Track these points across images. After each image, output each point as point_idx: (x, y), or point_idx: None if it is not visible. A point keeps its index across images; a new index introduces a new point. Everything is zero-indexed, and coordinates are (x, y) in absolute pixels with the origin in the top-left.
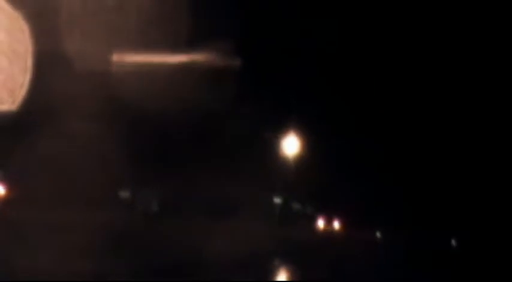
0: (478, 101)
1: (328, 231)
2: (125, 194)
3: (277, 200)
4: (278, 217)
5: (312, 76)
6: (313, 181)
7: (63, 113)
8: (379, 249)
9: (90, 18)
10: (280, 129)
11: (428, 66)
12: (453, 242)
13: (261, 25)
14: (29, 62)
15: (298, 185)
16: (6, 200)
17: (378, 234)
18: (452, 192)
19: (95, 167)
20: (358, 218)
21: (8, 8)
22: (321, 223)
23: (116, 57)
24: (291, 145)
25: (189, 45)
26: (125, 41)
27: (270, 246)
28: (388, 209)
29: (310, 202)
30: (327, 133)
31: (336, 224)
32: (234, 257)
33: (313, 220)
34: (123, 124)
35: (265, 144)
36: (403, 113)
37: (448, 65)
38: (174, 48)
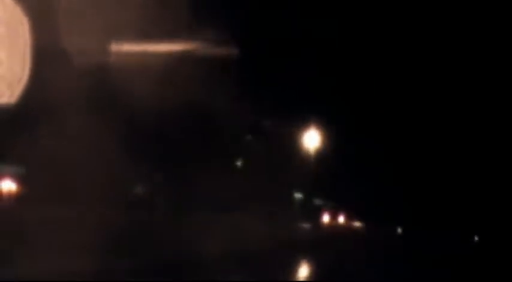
0: (492, 94)
1: (348, 227)
2: (138, 189)
3: (298, 196)
4: (299, 212)
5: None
6: (334, 177)
7: (64, 108)
8: (400, 243)
9: (89, 12)
10: (301, 124)
11: (432, 66)
12: (476, 239)
13: (270, 14)
14: (28, 55)
15: (320, 180)
16: (19, 197)
17: (399, 230)
18: (473, 190)
19: (102, 163)
20: (379, 215)
21: (7, 1)
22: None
23: (114, 47)
24: (312, 140)
25: (187, 35)
26: (123, 34)
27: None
28: (409, 205)
29: (332, 198)
30: (349, 128)
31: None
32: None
33: (333, 215)
34: (123, 119)
35: (284, 138)
36: (425, 108)
37: (450, 65)
38: (173, 37)
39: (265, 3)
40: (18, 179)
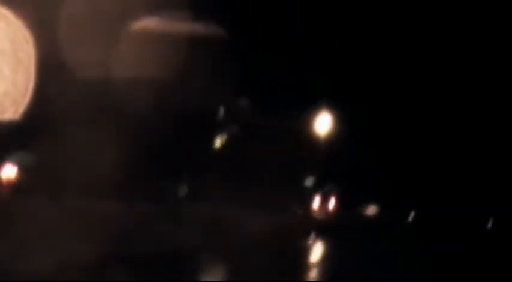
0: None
1: (362, 213)
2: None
3: (309, 181)
4: (309, 199)
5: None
6: (346, 161)
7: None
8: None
9: (91, 26)
10: (312, 107)
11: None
12: (491, 221)
13: None
14: (32, 71)
15: (332, 165)
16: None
17: (412, 214)
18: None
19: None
20: (393, 200)
21: (11, 17)
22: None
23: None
24: (322, 123)
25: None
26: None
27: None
28: (424, 188)
29: (344, 183)
30: (362, 111)
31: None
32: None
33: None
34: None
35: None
36: (441, 86)
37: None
38: None
39: None
40: (23, 166)
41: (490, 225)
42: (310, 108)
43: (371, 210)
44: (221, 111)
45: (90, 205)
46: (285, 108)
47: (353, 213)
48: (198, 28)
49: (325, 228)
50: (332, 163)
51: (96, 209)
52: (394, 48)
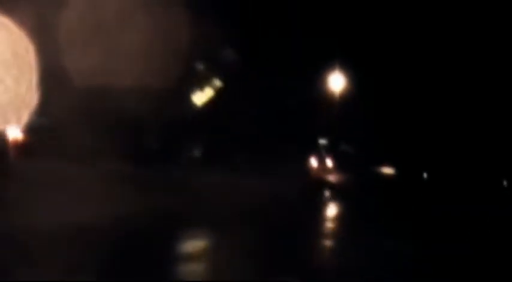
0: None
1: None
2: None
3: (322, 141)
4: (319, 159)
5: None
6: (361, 121)
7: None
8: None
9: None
10: (325, 65)
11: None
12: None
13: None
14: (35, 81)
15: (347, 125)
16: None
17: (425, 175)
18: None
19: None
20: (408, 161)
21: (13, 27)
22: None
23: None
24: (336, 81)
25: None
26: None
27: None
28: (436, 150)
29: (360, 143)
30: (377, 68)
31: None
32: None
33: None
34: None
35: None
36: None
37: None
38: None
39: None
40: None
41: (505, 184)
42: (322, 70)
43: (386, 170)
44: (201, 65)
45: (102, 167)
46: (296, 69)
47: (367, 173)
48: None
49: (333, 187)
50: (346, 123)
51: (112, 170)
52: (409, 7)
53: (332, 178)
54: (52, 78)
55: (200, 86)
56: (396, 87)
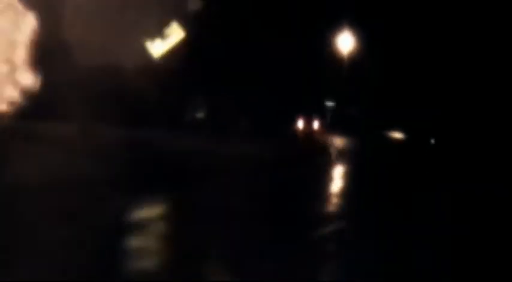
0: None
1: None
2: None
3: (329, 104)
4: (328, 122)
5: None
6: (370, 84)
7: None
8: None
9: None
10: (334, 26)
11: None
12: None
13: None
14: (39, 59)
15: (354, 88)
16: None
17: (432, 141)
18: None
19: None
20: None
21: (19, 7)
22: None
23: None
24: (345, 43)
25: None
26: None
27: None
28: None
29: (367, 107)
30: (385, 31)
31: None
32: None
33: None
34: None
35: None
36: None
37: None
38: None
39: None
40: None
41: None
42: (332, 27)
43: (395, 134)
44: None
45: (101, 130)
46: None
47: (373, 137)
48: None
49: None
50: (355, 84)
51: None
52: None
53: (329, 140)
54: (58, 55)
55: None
56: (406, 50)
